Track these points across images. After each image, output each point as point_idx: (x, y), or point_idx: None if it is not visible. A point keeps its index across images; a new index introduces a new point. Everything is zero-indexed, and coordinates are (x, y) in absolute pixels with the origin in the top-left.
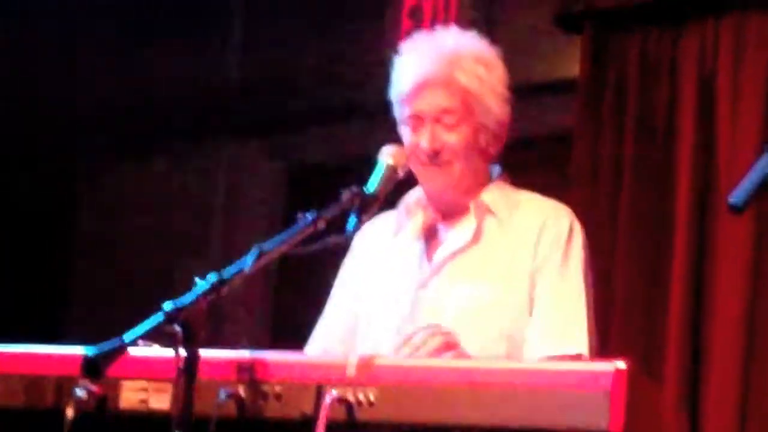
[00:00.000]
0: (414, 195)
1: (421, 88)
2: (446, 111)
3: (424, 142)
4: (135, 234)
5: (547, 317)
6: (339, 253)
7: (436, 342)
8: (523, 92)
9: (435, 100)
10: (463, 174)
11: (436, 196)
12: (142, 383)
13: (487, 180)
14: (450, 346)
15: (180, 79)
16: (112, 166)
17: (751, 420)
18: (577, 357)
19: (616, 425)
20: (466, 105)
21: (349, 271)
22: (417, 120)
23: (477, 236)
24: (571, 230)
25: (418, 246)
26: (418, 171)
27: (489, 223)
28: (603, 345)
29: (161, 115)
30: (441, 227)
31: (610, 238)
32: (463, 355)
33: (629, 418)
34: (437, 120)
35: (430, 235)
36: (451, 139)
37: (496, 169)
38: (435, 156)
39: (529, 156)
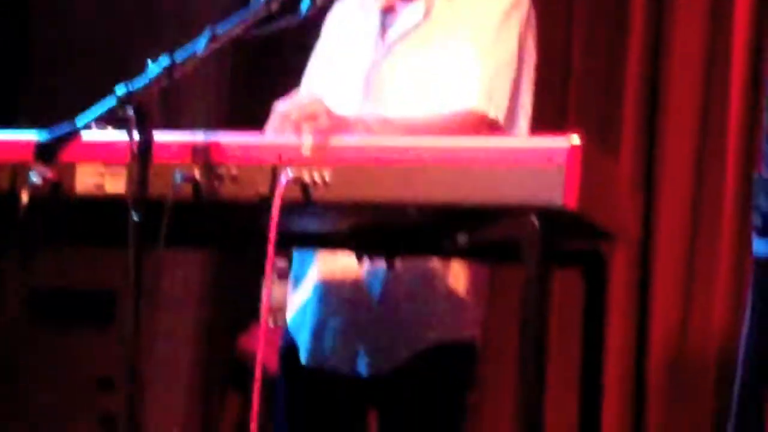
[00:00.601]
0: None
1: None
2: None
3: None
4: (88, 19)
5: (462, 73)
6: (297, 32)
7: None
8: None
9: None
10: None
11: None
12: (97, 167)
13: None
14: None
15: None
16: None
17: (704, 197)
18: (483, 121)
19: (571, 200)
20: None
21: (323, 48)
22: None
23: (428, 13)
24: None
25: (375, 26)
26: None
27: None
28: (560, 119)
29: None
30: (398, 5)
31: (567, 8)
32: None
33: (584, 193)
34: None
35: (388, 14)
36: None
37: None
38: None
39: None
